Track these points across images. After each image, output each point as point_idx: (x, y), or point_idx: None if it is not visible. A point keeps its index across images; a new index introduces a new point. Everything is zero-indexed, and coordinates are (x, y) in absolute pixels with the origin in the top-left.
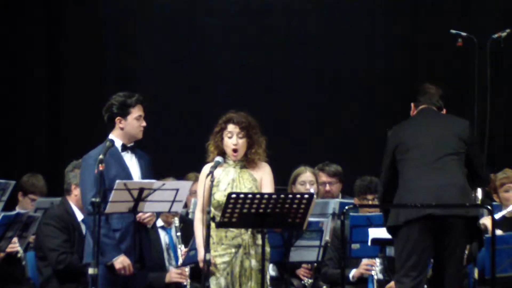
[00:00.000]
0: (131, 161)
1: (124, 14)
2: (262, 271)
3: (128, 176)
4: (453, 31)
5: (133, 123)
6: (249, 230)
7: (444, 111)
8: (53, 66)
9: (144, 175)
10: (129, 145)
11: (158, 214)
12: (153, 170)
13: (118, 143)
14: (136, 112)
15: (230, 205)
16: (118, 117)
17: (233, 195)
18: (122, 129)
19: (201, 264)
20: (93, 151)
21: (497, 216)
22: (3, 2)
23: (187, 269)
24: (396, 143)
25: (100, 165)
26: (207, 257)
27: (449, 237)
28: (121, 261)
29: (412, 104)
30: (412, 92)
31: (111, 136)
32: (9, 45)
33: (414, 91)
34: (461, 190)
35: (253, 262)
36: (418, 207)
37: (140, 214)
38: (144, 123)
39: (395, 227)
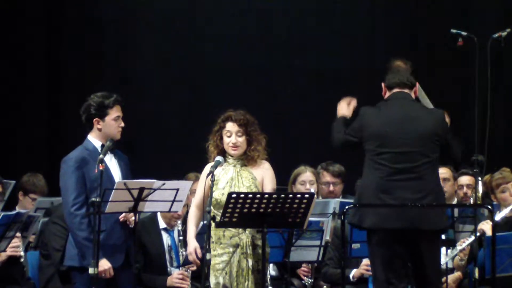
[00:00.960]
0: (111, 162)
1: (124, 14)
2: (263, 271)
3: (110, 177)
4: (453, 31)
5: (110, 124)
6: (247, 230)
7: (416, 86)
8: (53, 66)
9: (124, 176)
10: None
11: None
12: (130, 170)
13: (97, 144)
14: (114, 113)
15: (231, 205)
16: (95, 118)
17: (233, 195)
18: (100, 130)
19: (189, 257)
20: (73, 153)
21: (498, 217)
22: (3, 2)
23: (188, 274)
24: (368, 134)
25: (100, 164)
26: (208, 257)
27: (421, 247)
28: (102, 265)
29: (383, 84)
30: (384, 73)
31: (89, 137)
32: (9, 45)
33: (385, 73)
34: (435, 201)
35: (251, 262)
36: (420, 206)
37: (123, 214)
38: (122, 124)
39: (358, 226)
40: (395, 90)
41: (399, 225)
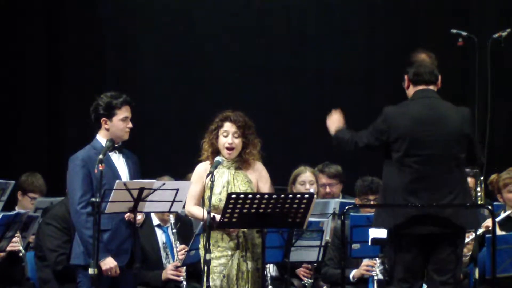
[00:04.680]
0: (119, 161)
1: (124, 14)
2: (263, 271)
3: (116, 176)
4: (454, 31)
5: (118, 124)
6: (246, 232)
7: (439, 80)
8: (53, 66)
9: (132, 175)
10: (116, 145)
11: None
12: (140, 169)
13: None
14: (122, 113)
15: (230, 205)
16: (103, 118)
17: (233, 195)
18: (107, 130)
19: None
20: (80, 152)
21: (500, 217)
22: (3, 2)
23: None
24: (395, 136)
25: (100, 165)
26: (208, 257)
27: (442, 249)
28: (107, 263)
29: (406, 77)
30: (406, 65)
31: (98, 136)
32: (9, 46)
33: (408, 65)
34: (460, 208)
35: (250, 265)
36: (420, 206)
37: (129, 213)
38: (130, 124)
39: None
40: (421, 87)
41: (426, 230)
